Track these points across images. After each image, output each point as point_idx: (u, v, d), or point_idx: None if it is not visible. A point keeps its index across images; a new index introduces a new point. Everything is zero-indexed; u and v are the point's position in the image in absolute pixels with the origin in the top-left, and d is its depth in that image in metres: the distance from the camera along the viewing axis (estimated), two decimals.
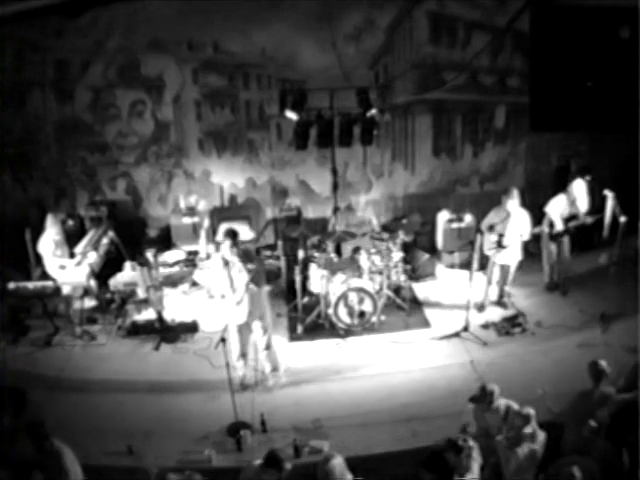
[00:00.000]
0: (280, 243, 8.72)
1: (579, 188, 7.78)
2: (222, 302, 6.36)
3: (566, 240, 7.95)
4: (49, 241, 7.39)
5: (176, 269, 8.62)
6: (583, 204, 7.83)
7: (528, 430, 4.58)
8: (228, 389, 5.64)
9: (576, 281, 8.28)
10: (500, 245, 7.39)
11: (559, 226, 7.82)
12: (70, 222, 8.40)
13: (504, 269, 7.77)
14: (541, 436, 4.63)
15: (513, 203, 7.44)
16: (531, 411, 4.64)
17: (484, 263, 7.79)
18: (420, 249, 9.13)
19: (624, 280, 7.46)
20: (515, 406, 4.97)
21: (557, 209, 7.80)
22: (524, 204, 7.68)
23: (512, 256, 7.64)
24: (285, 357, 6.94)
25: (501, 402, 5.05)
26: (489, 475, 4.75)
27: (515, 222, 7.44)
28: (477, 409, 5.15)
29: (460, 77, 9.31)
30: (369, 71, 9.17)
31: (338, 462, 4.29)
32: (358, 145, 8.58)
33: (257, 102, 9.34)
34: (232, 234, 6.22)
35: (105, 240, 7.96)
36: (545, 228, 7.94)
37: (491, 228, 7.48)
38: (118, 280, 7.97)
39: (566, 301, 8.05)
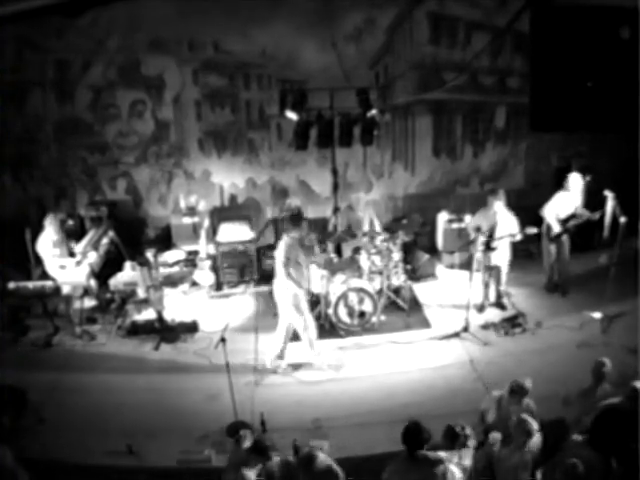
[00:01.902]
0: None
1: (575, 182, 7.75)
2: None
3: (566, 240, 7.94)
4: (47, 241, 7.40)
5: (176, 269, 8.62)
6: (577, 199, 7.79)
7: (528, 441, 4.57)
8: (228, 389, 5.64)
9: (576, 281, 8.28)
10: (488, 247, 7.39)
11: (556, 228, 7.81)
12: (70, 222, 8.39)
13: (496, 270, 7.77)
14: (537, 439, 4.60)
15: (500, 204, 7.44)
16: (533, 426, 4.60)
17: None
18: (420, 249, 9.14)
19: (624, 280, 7.45)
20: (532, 405, 4.96)
21: (553, 211, 7.79)
22: (524, 204, 7.68)
23: (502, 257, 7.64)
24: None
25: (526, 400, 5.03)
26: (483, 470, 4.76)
27: (502, 223, 7.44)
28: (507, 400, 5.11)
29: (460, 77, 9.32)
30: (369, 71, 9.19)
31: (323, 458, 4.29)
32: (358, 145, 8.59)
33: (257, 102, 9.35)
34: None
35: (105, 240, 7.97)
36: (544, 229, 7.94)
37: (478, 230, 7.47)
38: (118, 280, 7.97)
39: (566, 301, 8.05)
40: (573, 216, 7.77)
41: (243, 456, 4.47)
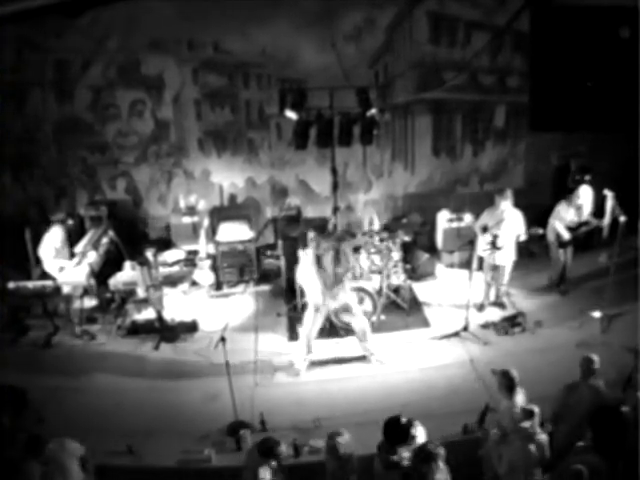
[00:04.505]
0: (280, 243, 8.72)
1: (585, 194, 7.76)
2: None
3: (571, 246, 7.97)
4: (50, 248, 7.43)
5: (176, 269, 8.63)
6: (588, 210, 7.80)
7: (526, 425, 4.52)
8: (228, 388, 5.65)
9: (576, 281, 8.28)
10: (494, 246, 7.39)
11: (566, 236, 7.79)
12: (70, 222, 8.40)
13: (499, 270, 7.76)
14: (542, 437, 4.56)
15: (507, 204, 7.43)
16: (535, 408, 4.58)
17: (483, 263, 7.80)
18: (420, 249, 9.13)
19: (624, 279, 7.45)
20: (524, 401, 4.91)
21: (562, 219, 7.78)
22: (523, 203, 7.67)
23: (507, 257, 7.63)
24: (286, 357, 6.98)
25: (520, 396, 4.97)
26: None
27: (509, 223, 7.43)
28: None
29: (460, 77, 9.31)
30: (369, 70, 9.19)
31: (344, 439, 4.36)
32: (358, 145, 8.55)
33: (257, 102, 9.35)
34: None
35: (105, 239, 7.97)
36: (551, 236, 7.92)
37: (485, 229, 7.46)
38: (118, 279, 7.97)
39: (566, 301, 8.05)
40: (583, 224, 7.76)
41: (257, 458, 4.50)
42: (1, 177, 9.16)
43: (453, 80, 9.32)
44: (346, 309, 6.78)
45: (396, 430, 4.43)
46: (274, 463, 4.49)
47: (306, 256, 6.67)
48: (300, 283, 6.99)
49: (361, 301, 7.33)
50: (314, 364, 6.85)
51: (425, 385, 6.40)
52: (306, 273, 6.70)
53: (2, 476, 4.40)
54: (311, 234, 6.61)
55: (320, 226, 6.75)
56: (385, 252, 7.86)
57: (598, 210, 7.71)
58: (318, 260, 6.53)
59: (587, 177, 7.97)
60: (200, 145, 9.48)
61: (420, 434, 4.58)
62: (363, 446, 5.30)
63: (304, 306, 7.70)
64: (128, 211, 9.61)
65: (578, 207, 7.74)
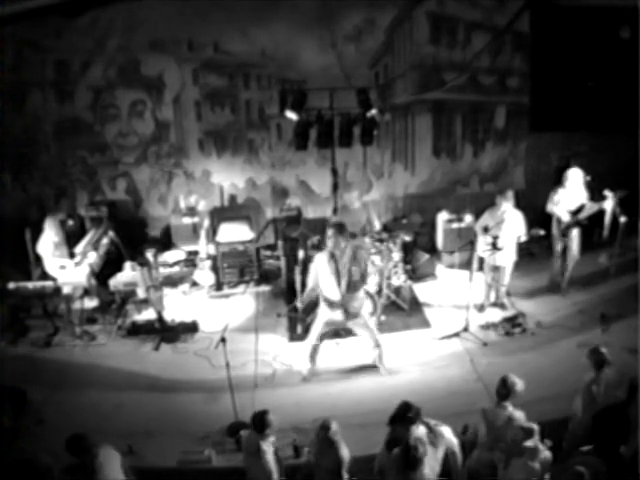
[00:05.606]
0: (280, 243, 8.72)
1: (575, 176, 7.68)
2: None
3: (575, 234, 7.84)
4: (48, 243, 7.41)
5: (176, 269, 8.63)
6: (582, 193, 7.73)
7: (529, 444, 4.45)
8: (228, 389, 5.64)
9: (576, 281, 8.27)
10: (495, 247, 7.38)
11: (565, 218, 7.71)
12: (70, 222, 8.40)
13: (500, 270, 7.76)
14: (544, 454, 4.49)
15: (508, 204, 7.42)
16: (534, 426, 4.51)
17: (483, 263, 7.80)
18: (420, 249, 9.12)
19: (624, 280, 7.45)
20: (520, 417, 4.75)
21: (558, 203, 7.73)
22: (524, 204, 7.66)
23: (507, 257, 7.62)
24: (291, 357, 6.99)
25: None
26: None
27: (510, 223, 7.42)
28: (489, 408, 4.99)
29: (460, 77, 9.31)
30: (369, 71, 9.18)
31: (336, 427, 4.44)
32: (358, 145, 8.57)
33: (257, 102, 9.34)
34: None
35: (105, 240, 7.96)
36: (554, 227, 7.89)
37: (485, 229, 7.45)
38: (118, 280, 7.95)
39: (566, 301, 8.04)
40: (581, 209, 7.70)
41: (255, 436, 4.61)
42: (1, 177, 9.16)
43: (453, 81, 9.32)
44: (358, 320, 6.48)
45: (400, 412, 4.53)
46: (272, 439, 4.62)
47: (321, 255, 6.33)
48: (311, 282, 6.50)
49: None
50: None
51: (425, 386, 6.40)
52: (320, 273, 6.31)
53: (9, 475, 4.37)
54: (330, 231, 6.23)
55: (339, 224, 6.42)
56: (385, 253, 7.86)
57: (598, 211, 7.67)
58: (333, 257, 6.19)
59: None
60: (200, 145, 9.47)
61: (446, 433, 4.63)
62: (364, 447, 5.32)
63: (304, 308, 7.71)
64: (128, 212, 9.60)
65: (571, 190, 7.67)
